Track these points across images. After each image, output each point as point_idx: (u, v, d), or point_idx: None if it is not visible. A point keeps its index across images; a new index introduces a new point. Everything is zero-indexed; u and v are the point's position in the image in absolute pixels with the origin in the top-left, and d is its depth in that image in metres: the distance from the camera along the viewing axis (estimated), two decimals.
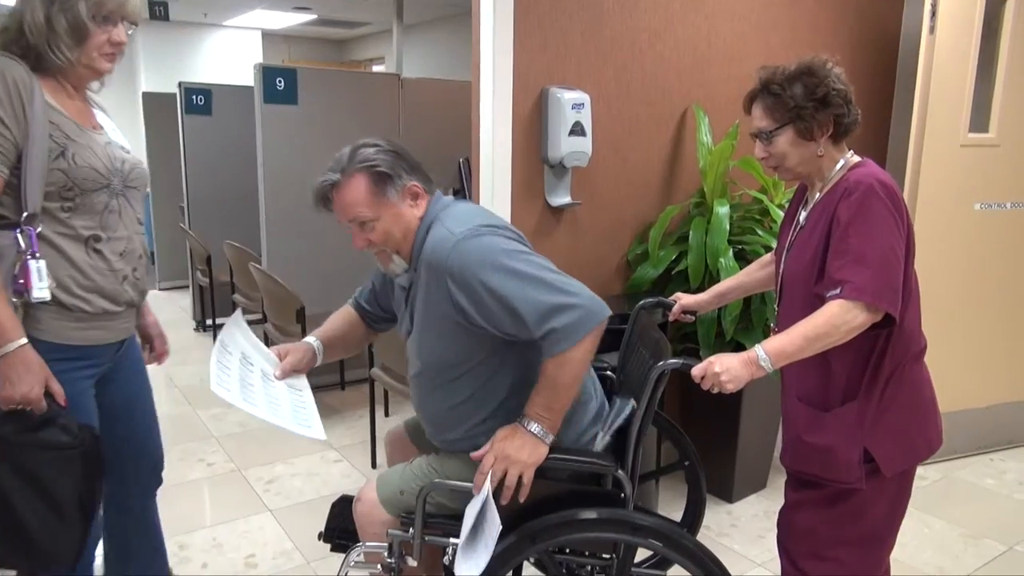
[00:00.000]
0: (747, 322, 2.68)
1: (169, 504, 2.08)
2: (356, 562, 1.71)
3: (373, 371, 3.01)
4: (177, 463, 3.09)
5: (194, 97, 4.90)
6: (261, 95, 3.57)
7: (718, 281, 2.50)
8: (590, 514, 1.50)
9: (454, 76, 4.51)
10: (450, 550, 1.57)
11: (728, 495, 2.84)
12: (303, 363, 1.73)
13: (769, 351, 1.49)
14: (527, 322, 1.41)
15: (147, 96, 6.13)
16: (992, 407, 3.21)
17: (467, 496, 1.62)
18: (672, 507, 2.63)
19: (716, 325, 2.63)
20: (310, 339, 1.77)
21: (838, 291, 1.44)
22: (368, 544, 1.72)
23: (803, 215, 1.64)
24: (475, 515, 1.48)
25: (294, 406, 1.64)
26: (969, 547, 2.54)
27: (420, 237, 1.52)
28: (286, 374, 1.70)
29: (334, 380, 4.04)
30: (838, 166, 1.57)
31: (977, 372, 3.14)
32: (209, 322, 4.88)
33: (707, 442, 2.88)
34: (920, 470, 3.07)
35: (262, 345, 1.75)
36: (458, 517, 1.64)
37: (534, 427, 1.46)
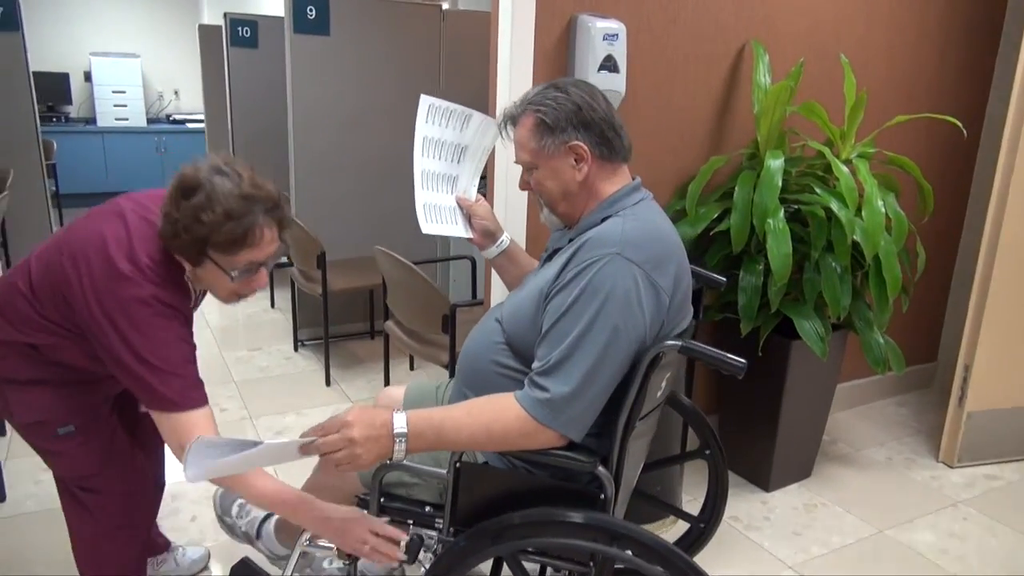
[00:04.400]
0: (798, 292, 2.35)
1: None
2: (308, 541, 1.55)
3: (387, 324, 2.83)
4: None
5: (240, 29, 4.73)
6: (291, 24, 3.36)
7: (764, 245, 2.19)
8: (562, 515, 1.26)
9: None
10: (403, 544, 1.37)
11: (764, 483, 2.56)
12: (492, 225, 1.70)
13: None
14: (538, 347, 1.27)
15: (202, 28, 6.02)
16: None
17: (429, 486, 1.43)
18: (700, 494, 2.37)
19: (760, 294, 2.31)
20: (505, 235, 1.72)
21: None
22: None
23: None
24: (262, 448, 1.15)
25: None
26: None
27: (593, 218, 1.35)
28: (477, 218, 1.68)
29: (364, 328, 3.90)
30: None
31: None
32: None
33: (743, 423, 2.61)
34: (994, 469, 2.73)
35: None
36: (422, 503, 1.46)
37: (400, 440, 1.21)
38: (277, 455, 1.20)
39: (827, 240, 2.27)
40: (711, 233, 2.36)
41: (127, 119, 7.58)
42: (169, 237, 1.35)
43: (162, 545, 2.04)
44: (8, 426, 2.82)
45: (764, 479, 2.56)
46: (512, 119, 1.42)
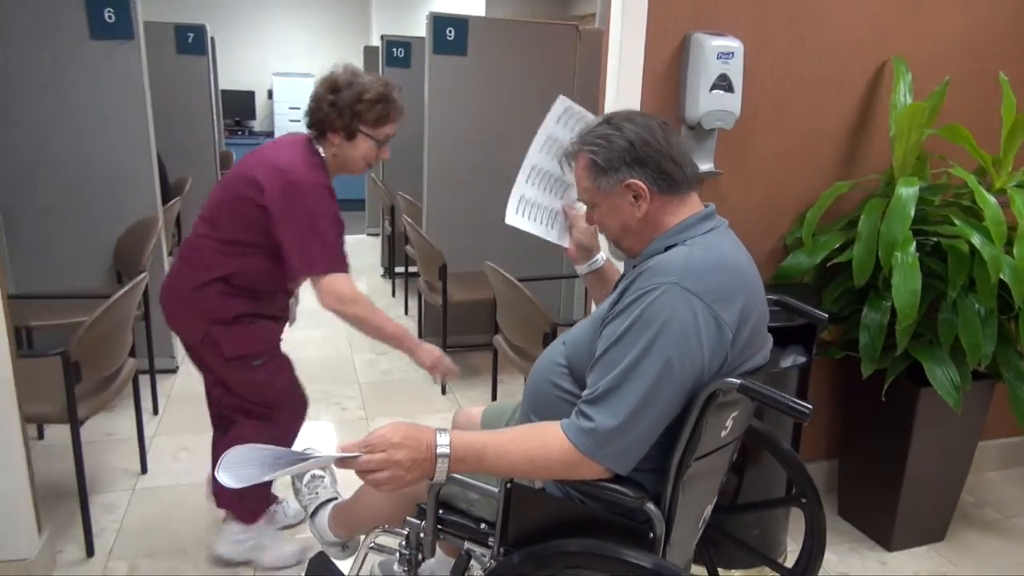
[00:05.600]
0: (932, 335, 2.12)
1: None
2: (373, 546, 1.59)
3: (495, 338, 2.87)
4: (314, 403, 3.21)
5: (394, 50, 5.03)
6: (431, 45, 3.52)
7: (890, 279, 2.00)
8: (612, 551, 1.22)
9: None
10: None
11: (886, 541, 2.33)
12: (589, 241, 1.66)
13: None
14: (589, 375, 1.24)
15: (367, 49, 6.44)
16: None
17: (489, 504, 1.43)
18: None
19: (886, 334, 2.11)
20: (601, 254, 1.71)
21: None
22: (387, 528, 1.61)
23: None
24: (306, 459, 1.21)
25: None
26: None
27: (657, 246, 1.30)
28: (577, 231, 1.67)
29: (484, 340, 3.97)
30: None
31: None
32: (399, 269, 5.05)
33: (864, 473, 2.40)
34: None
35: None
36: (478, 520, 1.47)
37: (443, 461, 1.20)
38: (315, 465, 1.24)
39: (968, 278, 2.04)
40: (832, 264, 2.19)
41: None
42: (332, 118, 1.83)
43: (273, 497, 2.27)
44: (160, 406, 3.15)
45: (886, 537, 2.33)
46: (569, 157, 1.40)
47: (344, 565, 1.80)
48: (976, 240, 1.97)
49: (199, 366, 2.04)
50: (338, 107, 1.81)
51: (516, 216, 1.65)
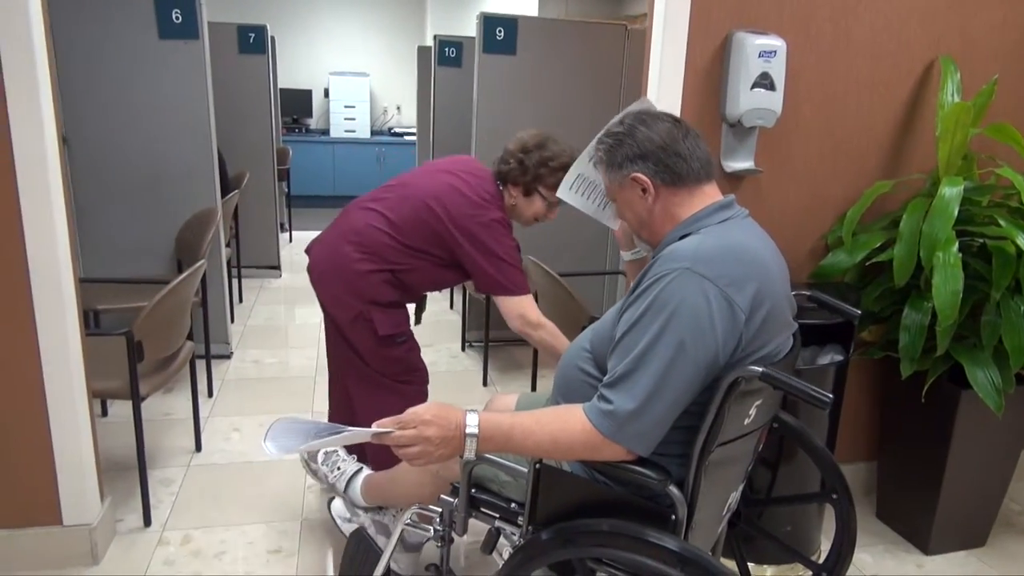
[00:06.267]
0: (976, 337, 2.10)
1: None
2: (408, 523, 1.67)
3: None
4: None
5: (447, 49, 5.11)
6: (481, 45, 3.59)
7: (931, 279, 1.99)
8: (637, 531, 1.26)
9: None
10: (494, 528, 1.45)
11: (923, 544, 2.31)
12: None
13: None
14: (608, 359, 1.29)
15: (420, 49, 6.55)
16: None
17: (520, 485, 1.49)
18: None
19: (926, 335, 2.10)
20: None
21: None
22: (420, 508, 1.68)
23: None
24: (343, 432, 1.28)
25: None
26: None
27: (672, 236, 1.36)
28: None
29: None
30: None
31: None
32: None
33: (903, 474, 2.38)
34: None
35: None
36: (508, 500, 1.53)
37: (471, 440, 1.27)
38: (352, 439, 1.31)
39: (1014, 280, 2.01)
40: (873, 263, 2.18)
41: (354, 131, 8.45)
42: (516, 174, 2.07)
43: None
44: (215, 389, 3.29)
45: (923, 540, 2.31)
46: (592, 156, 1.51)
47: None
48: (1021, 241, 1.95)
49: (338, 339, 2.21)
50: (524, 166, 2.04)
51: (570, 192, 1.72)
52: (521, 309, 2.05)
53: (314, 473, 2.11)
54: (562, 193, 1.72)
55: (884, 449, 2.45)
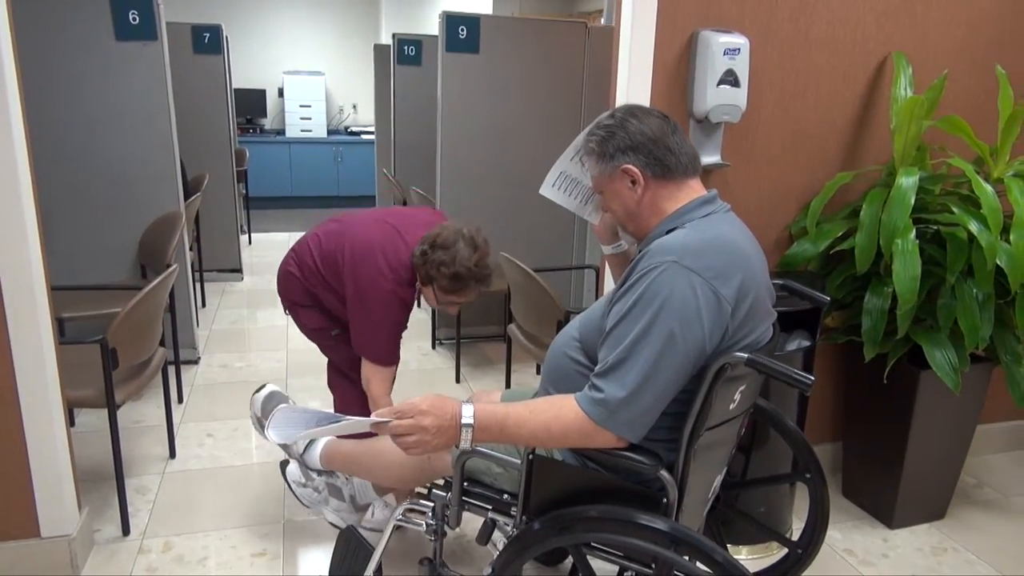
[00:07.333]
0: (932, 320, 2.21)
1: None
2: (399, 520, 1.69)
3: (510, 327, 2.96)
4: None
5: (406, 48, 5.10)
6: (444, 43, 3.61)
7: (891, 265, 2.09)
8: (629, 515, 1.31)
9: None
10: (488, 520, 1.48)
11: (887, 519, 2.42)
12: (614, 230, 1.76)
13: None
14: (599, 350, 1.33)
15: (377, 48, 6.52)
16: None
17: (512, 476, 1.52)
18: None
19: (887, 319, 2.20)
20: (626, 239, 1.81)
21: None
22: (412, 502, 1.71)
23: None
24: (342, 421, 1.32)
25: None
26: None
27: (659, 230, 1.40)
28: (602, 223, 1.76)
29: (498, 331, 4.07)
30: None
31: None
32: None
33: (867, 453, 2.48)
34: None
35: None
36: (501, 492, 1.56)
37: (467, 430, 1.32)
38: (352, 428, 1.34)
39: (967, 264, 2.12)
40: (836, 252, 2.28)
41: (311, 131, 8.36)
42: (417, 263, 2.05)
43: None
44: (185, 394, 3.25)
45: (887, 515, 2.42)
46: (580, 150, 1.54)
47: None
48: (974, 227, 2.05)
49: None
50: (426, 260, 2.04)
51: (552, 189, 1.75)
52: (371, 376, 2.11)
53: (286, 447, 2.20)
54: (545, 191, 1.75)
55: (849, 429, 2.56)
